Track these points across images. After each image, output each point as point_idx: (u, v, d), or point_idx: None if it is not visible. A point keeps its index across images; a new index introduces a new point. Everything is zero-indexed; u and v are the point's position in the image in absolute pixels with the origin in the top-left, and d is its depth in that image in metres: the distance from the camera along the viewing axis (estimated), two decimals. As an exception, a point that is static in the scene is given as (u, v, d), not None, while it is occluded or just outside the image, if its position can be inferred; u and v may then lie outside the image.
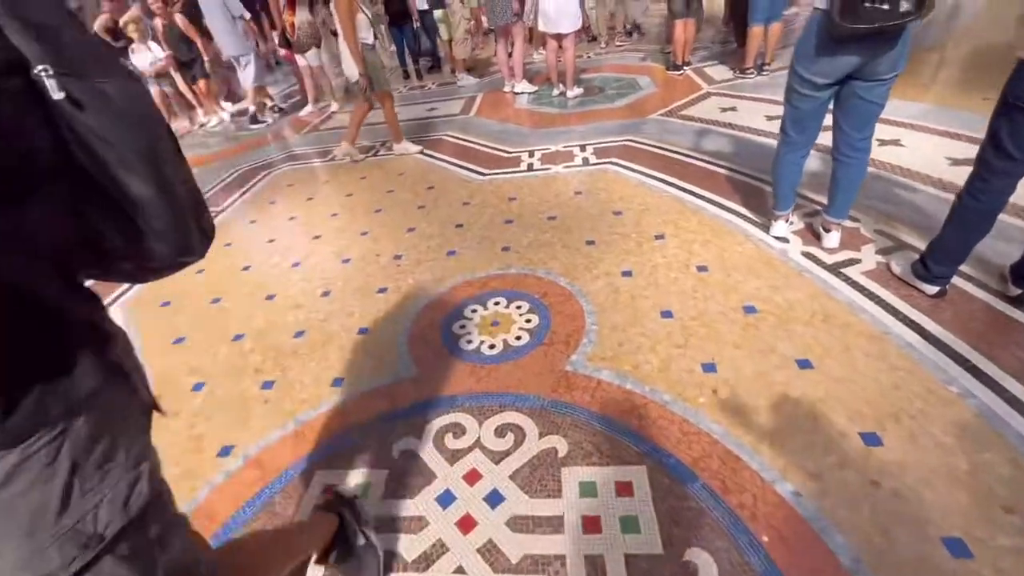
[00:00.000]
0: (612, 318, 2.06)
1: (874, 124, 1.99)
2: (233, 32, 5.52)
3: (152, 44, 5.59)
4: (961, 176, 1.84)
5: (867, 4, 1.62)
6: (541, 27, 4.79)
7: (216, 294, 2.69)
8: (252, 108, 5.90)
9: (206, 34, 5.73)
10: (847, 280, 2.07)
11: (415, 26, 6.70)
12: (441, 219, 3.08)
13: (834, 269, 2.15)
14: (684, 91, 4.69)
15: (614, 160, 3.48)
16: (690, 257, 2.37)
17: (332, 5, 3.34)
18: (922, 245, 2.18)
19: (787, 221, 2.38)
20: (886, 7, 1.61)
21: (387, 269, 2.66)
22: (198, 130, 6.21)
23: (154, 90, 5.55)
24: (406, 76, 6.87)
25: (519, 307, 2.21)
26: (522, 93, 5.44)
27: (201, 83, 6.08)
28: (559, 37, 4.81)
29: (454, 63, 6.63)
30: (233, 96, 6.91)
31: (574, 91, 5.02)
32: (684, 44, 5.13)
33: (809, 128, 2.07)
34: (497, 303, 2.26)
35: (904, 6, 1.60)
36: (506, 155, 3.90)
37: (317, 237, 3.13)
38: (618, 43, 6.71)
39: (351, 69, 3.65)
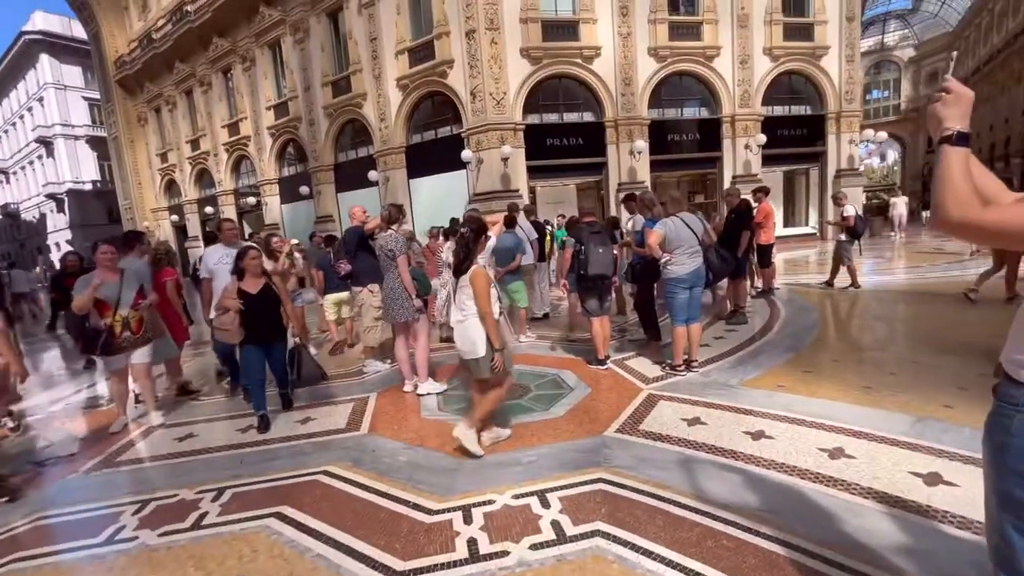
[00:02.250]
0: None
1: None
2: None
3: None
4: None
5: None
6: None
7: None
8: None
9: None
10: None
11: (293, 343, 4.34)
12: None
13: None
14: (623, 393, 4.06)
15: (602, 529, 2.29)
16: None
17: (468, 278, 3.09)
18: None
19: None
20: None
21: None
22: None
23: None
24: (263, 427, 3.85)
25: None
26: (428, 395, 4.41)
27: None
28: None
29: (350, 343, 6.45)
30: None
31: (495, 393, 4.13)
32: (603, 339, 4.83)
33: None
34: None
35: None
36: (427, 518, 2.50)
37: None
38: (528, 332, 6.30)
39: (479, 347, 3.07)
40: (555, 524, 2.35)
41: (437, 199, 15.74)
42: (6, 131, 38.97)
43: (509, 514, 2.47)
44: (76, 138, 33.54)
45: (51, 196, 34.36)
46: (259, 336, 3.86)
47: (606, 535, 2.24)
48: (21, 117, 36.37)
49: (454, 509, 2.55)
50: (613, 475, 2.75)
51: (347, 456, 3.29)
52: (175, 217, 25.42)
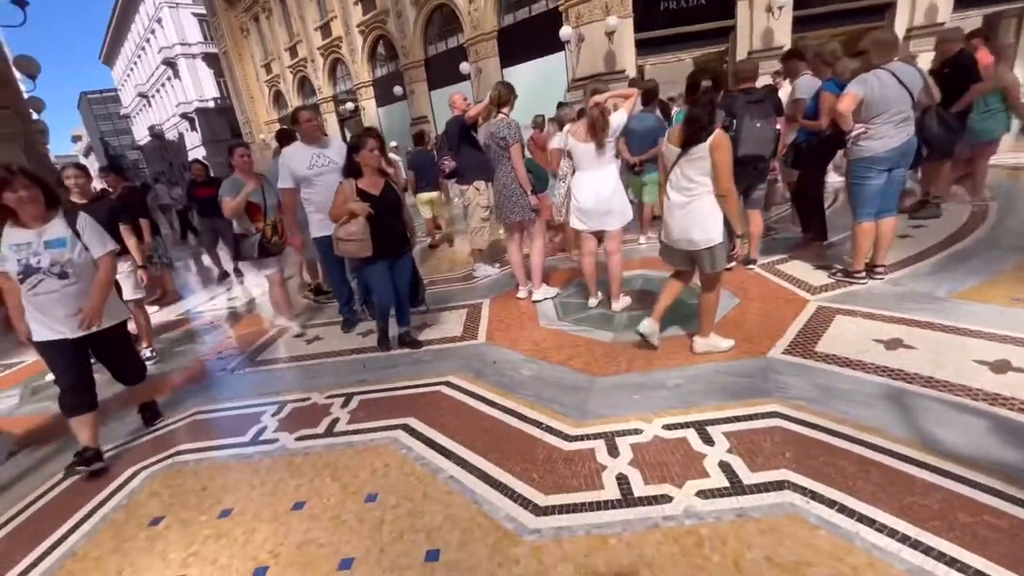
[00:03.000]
0: None
1: None
2: None
3: None
4: None
5: None
6: (576, 225, 3.57)
7: None
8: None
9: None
10: None
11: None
12: None
13: None
14: (782, 304, 3.34)
15: (792, 480, 1.80)
16: None
17: (709, 147, 2.46)
18: None
19: None
20: None
21: None
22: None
23: None
24: (384, 345, 3.54)
25: None
26: (543, 300, 4.05)
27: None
28: (600, 235, 3.59)
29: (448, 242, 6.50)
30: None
31: (621, 302, 3.64)
32: (752, 238, 4.01)
33: None
34: None
35: None
36: (564, 445, 2.19)
37: None
38: (650, 233, 5.49)
39: (715, 233, 2.55)
40: (725, 467, 1.91)
41: (533, 88, 14.36)
42: (139, 56, 42.60)
43: (663, 448, 2.07)
44: (193, 56, 35.66)
45: (184, 116, 37.81)
46: (386, 247, 3.20)
47: (799, 489, 1.75)
48: (148, 41, 39.26)
49: (594, 436, 2.21)
50: (792, 409, 2.20)
51: (467, 367, 3.09)
52: (286, 127, 26.68)
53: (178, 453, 2.58)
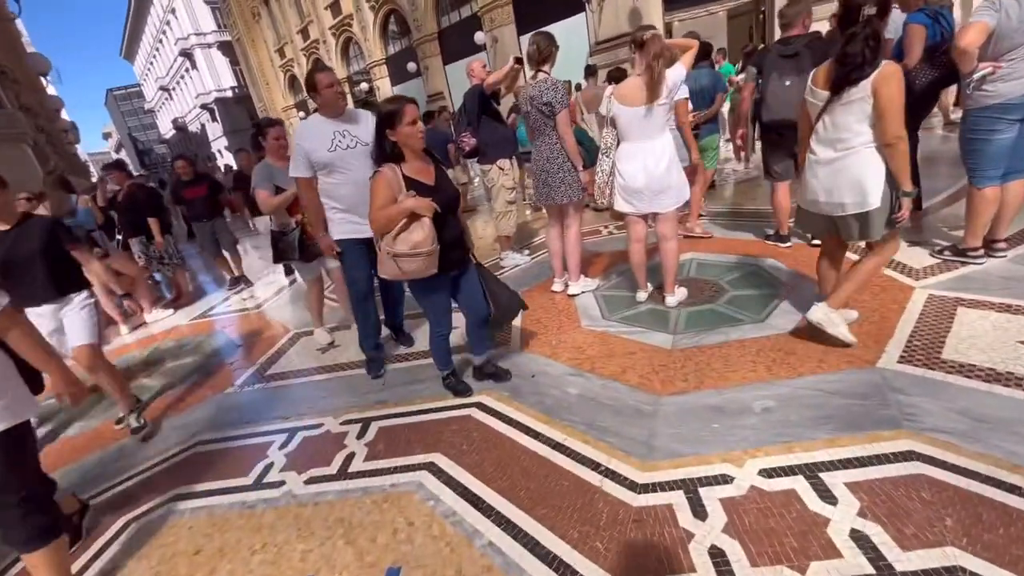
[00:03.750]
0: None
1: None
2: None
3: None
4: None
5: None
6: (623, 207, 3.02)
7: None
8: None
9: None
10: None
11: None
12: None
13: None
14: (880, 293, 2.74)
15: (967, 566, 1.29)
16: None
17: (873, 84, 1.91)
18: None
19: None
20: None
21: None
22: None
23: None
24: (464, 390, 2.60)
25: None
26: (583, 293, 3.55)
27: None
28: (651, 218, 3.04)
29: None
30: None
31: (676, 295, 3.11)
32: (782, 214, 3.42)
33: None
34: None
35: None
36: (631, 499, 1.72)
37: None
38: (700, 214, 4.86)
39: (872, 194, 2.03)
40: (862, 541, 1.41)
41: (554, 55, 13.51)
42: (158, 49, 42.76)
43: (766, 507, 1.57)
44: (208, 46, 35.49)
45: (204, 107, 37.94)
46: (451, 259, 2.23)
47: (984, 583, 1.24)
48: (164, 33, 39.27)
49: (670, 486, 1.73)
50: (935, 448, 1.66)
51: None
52: (302, 114, 26.41)
53: (176, 498, 2.24)
